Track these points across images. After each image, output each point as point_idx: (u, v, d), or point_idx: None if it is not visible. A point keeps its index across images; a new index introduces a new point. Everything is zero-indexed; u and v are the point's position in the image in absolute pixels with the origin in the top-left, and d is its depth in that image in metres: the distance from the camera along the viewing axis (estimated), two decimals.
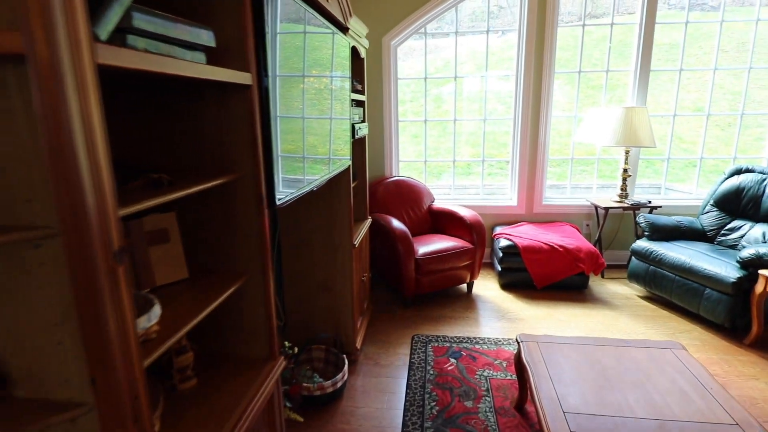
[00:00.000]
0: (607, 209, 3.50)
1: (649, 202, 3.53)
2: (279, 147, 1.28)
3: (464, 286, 3.44)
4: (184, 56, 0.90)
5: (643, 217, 3.29)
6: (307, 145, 1.53)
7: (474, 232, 3.25)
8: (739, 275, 2.59)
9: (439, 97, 10.54)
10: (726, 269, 2.66)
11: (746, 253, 2.63)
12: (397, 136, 3.91)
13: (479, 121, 4.19)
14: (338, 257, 2.32)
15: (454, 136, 3.98)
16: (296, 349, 1.93)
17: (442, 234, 3.48)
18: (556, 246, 3.30)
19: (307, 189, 1.51)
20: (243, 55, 1.08)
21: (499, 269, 3.46)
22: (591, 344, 1.92)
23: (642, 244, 3.19)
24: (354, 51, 2.44)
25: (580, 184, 4.26)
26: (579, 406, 1.53)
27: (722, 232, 3.18)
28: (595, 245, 3.66)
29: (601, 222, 3.70)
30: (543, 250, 3.30)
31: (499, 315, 3.03)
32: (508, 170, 3.91)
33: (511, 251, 3.37)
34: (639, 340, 1.96)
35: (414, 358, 2.52)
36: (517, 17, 3.60)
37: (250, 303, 1.23)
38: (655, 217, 3.27)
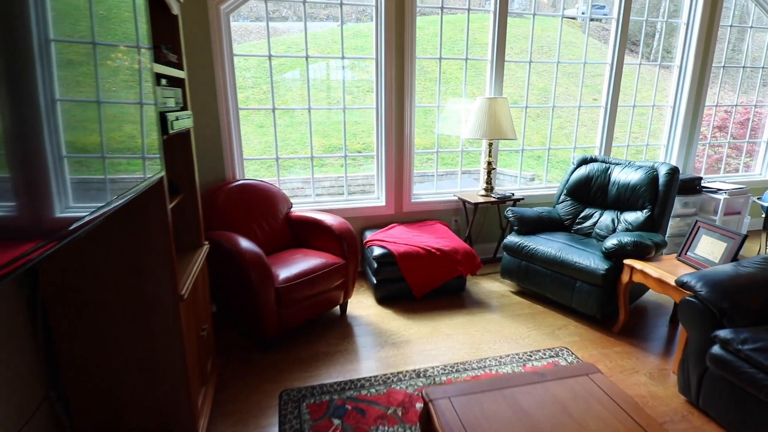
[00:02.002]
0: (476, 205, 3.34)
1: (512, 194, 3.50)
2: None
3: (337, 308, 2.89)
4: None
5: (511, 212, 3.20)
6: (71, 147, 0.76)
7: (344, 243, 2.71)
8: (606, 266, 2.62)
9: (281, 84, 9.69)
10: (594, 261, 2.68)
11: (609, 243, 2.67)
12: (238, 129, 3.10)
13: (328, 111, 3.64)
14: (156, 317, 1.52)
15: (310, 127, 3.35)
16: None
17: (305, 248, 2.86)
18: (432, 250, 2.99)
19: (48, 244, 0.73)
20: None
21: (375, 282, 3.00)
22: (508, 386, 1.57)
23: (513, 239, 3.10)
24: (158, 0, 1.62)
25: (429, 171, 4.09)
26: None
27: (577, 220, 3.29)
28: (466, 241, 3.50)
29: (470, 218, 3.55)
30: (420, 256, 2.96)
31: (381, 340, 2.57)
32: (374, 167, 3.48)
33: (387, 260, 2.94)
34: (553, 369, 1.68)
35: (285, 428, 1.87)
36: (352, 7, 3.13)
37: None
38: (521, 211, 3.21)
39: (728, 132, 4.62)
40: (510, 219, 3.18)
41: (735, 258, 2.24)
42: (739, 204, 3.86)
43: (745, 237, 2.24)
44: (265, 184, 2.99)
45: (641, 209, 3.00)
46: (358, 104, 8.31)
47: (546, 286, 2.94)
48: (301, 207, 3.29)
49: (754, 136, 4.57)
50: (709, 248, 2.40)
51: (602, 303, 2.67)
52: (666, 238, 2.90)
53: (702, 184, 3.87)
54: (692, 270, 2.39)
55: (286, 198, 3.06)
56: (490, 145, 3.44)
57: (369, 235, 3.22)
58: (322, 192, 7.70)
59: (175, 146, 1.84)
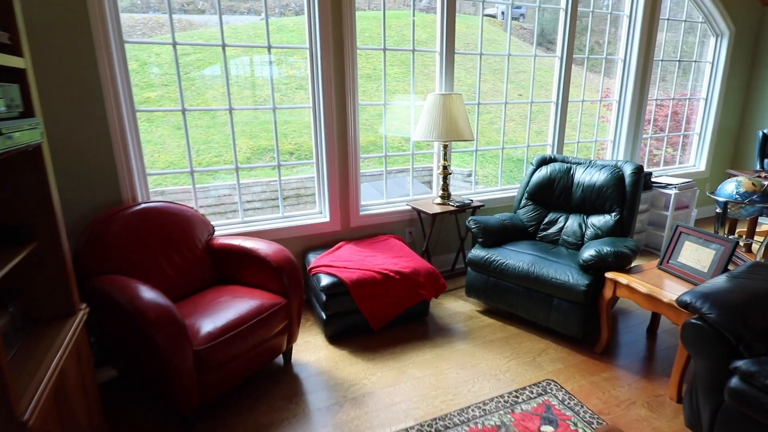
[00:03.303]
0: (434, 215, 2.95)
1: (471, 201, 3.15)
2: None
3: (280, 357, 2.35)
4: None
5: (473, 221, 2.85)
6: None
7: (284, 276, 2.17)
8: (587, 281, 2.33)
9: (200, 81, 8.67)
10: (572, 275, 2.39)
11: (587, 254, 2.39)
12: (136, 136, 2.42)
13: (254, 110, 3.06)
14: None
15: (232, 130, 2.74)
16: None
17: (234, 284, 2.28)
18: (390, 273, 2.54)
19: None
20: None
21: (324, 317, 2.50)
22: None
23: (479, 253, 2.74)
24: None
25: (366, 171, 3.67)
26: None
27: (541, 226, 3.01)
28: (423, 256, 3.10)
29: (427, 230, 3.16)
30: (377, 282, 2.50)
31: (338, 395, 2.08)
32: (314, 176, 2.95)
33: (337, 291, 2.44)
34: None
35: None
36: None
37: None
38: (484, 220, 2.87)
39: (665, 126, 4.67)
40: (473, 230, 2.83)
41: (726, 267, 2.04)
42: (687, 198, 3.85)
43: (737, 243, 2.04)
44: (176, 207, 2.35)
45: (609, 212, 2.78)
46: (287, 103, 7.65)
47: (518, 304, 2.62)
48: (227, 230, 2.69)
49: (686, 129, 4.65)
50: (695, 256, 2.19)
51: (584, 322, 2.39)
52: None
53: (651, 180, 3.81)
54: (679, 281, 2.17)
55: (205, 222, 2.44)
56: (445, 146, 3.06)
57: (314, 260, 2.70)
58: (253, 198, 6.93)
59: (17, 172, 1.21)
